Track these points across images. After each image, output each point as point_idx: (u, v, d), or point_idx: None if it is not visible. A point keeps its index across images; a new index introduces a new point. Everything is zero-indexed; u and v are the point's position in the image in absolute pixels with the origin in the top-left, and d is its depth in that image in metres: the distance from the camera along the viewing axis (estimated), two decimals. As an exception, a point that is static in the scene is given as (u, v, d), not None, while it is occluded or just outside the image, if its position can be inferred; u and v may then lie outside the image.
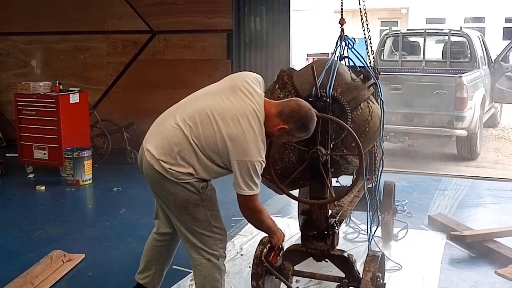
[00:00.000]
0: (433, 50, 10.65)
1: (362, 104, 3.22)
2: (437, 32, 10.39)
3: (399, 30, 10.16)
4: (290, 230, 4.84)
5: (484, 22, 23.34)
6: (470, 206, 5.70)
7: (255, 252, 3.28)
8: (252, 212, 2.91)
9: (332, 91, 3.09)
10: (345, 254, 3.26)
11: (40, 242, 4.68)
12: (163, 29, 7.83)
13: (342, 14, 3.45)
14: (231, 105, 2.79)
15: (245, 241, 4.62)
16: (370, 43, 3.68)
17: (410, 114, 7.69)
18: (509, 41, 9.77)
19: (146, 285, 3.31)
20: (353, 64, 3.50)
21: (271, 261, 3.18)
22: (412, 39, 9.96)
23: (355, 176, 3.10)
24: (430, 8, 24.23)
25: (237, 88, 2.84)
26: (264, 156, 2.77)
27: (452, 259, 4.30)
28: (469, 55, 9.00)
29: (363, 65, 3.46)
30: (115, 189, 6.27)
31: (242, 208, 2.89)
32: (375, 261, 3.14)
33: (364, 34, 3.67)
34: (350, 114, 3.12)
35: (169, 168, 2.81)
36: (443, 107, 7.52)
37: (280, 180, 3.15)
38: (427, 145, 8.97)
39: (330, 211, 3.29)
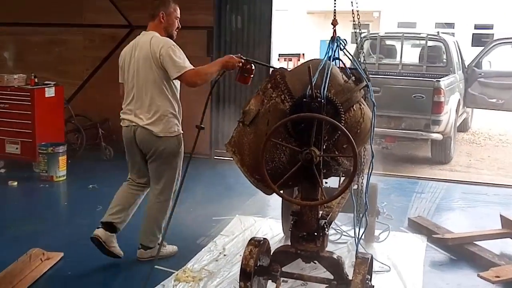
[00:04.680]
0: (409, 54, 10.75)
1: (354, 105, 3.21)
2: (414, 36, 10.48)
3: (377, 33, 10.20)
4: (272, 231, 4.82)
5: (454, 28, 23.76)
6: (448, 209, 5.77)
7: (244, 253, 3.23)
8: (197, 80, 3.87)
9: (326, 92, 3.07)
10: (335, 256, 3.24)
11: (15, 240, 4.53)
12: (142, 24, 7.62)
13: (335, 15, 3.41)
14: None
15: (227, 241, 4.56)
16: (362, 45, 3.66)
17: (387, 117, 7.73)
18: (479, 47, 9.93)
19: (117, 224, 4.01)
20: (343, 66, 3.48)
21: (241, 82, 3.91)
22: (389, 42, 10.03)
23: (348, 178, 3.07)
24: (402, 12, 24.55)
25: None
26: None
27: (434, 262, 4.34)
28: (445, 60, 9.11)
29: (354, 67, 3.45)
30: (90, 186, 6.10)
31: (191, 85, 3.88)
32: (365, 263, 3.13)
33: (356, 36, 3.65)
34: (343, 115, 3.11)
35: (163, 129, 3.89)
36: (420, 111, 7.60)
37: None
38: (401, 148, 9.06)
39: (320, 213, 3.27)
